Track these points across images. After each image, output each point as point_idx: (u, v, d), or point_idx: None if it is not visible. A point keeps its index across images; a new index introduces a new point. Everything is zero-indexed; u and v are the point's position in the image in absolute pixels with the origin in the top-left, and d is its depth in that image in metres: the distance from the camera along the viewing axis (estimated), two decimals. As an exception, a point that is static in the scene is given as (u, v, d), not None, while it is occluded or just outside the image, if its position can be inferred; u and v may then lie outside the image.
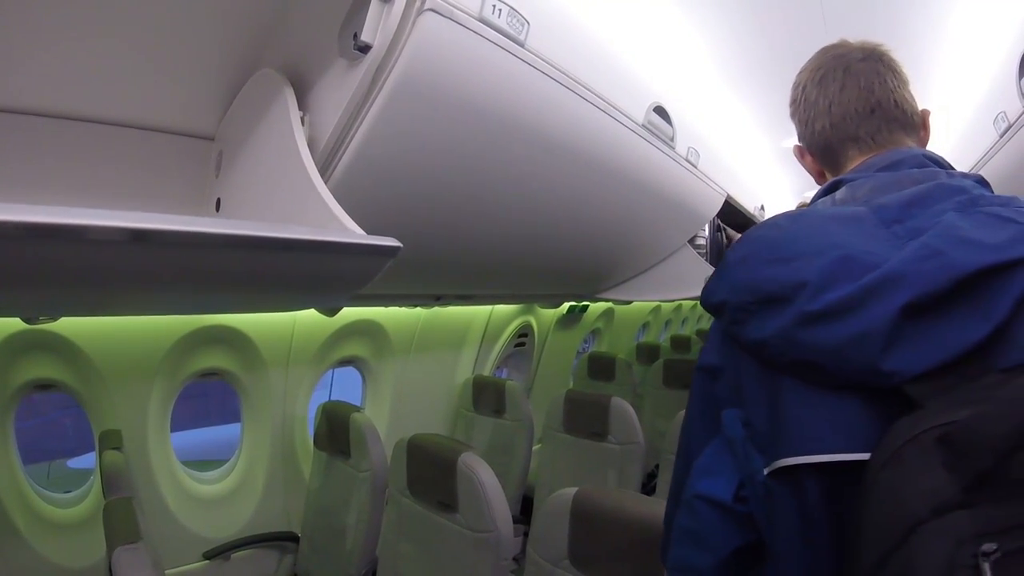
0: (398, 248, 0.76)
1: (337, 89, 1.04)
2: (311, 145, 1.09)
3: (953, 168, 0.72)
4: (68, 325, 1.82)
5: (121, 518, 1.22)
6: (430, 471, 1.75)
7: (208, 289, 0.84)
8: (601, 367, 3.82)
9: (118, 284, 0.75)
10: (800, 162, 0.92)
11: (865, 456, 0.55)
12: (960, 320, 0.54)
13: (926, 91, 1.93)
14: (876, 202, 0.66)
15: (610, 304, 4.18)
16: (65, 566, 1.85)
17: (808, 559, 0.61)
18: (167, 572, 2.08)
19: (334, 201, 0.86)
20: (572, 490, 1.41)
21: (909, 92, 0.82)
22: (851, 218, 0.65)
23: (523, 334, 3.56)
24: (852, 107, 0.80)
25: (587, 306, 3.85)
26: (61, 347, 1.85)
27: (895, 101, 0.80)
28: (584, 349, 4.53)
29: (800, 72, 0.88)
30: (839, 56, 0.83)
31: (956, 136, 2.20)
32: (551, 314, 3.66)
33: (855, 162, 0.81)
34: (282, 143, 1.07)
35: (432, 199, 1.18)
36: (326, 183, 1.06)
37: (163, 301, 1.00)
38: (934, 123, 0.87)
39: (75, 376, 1.93)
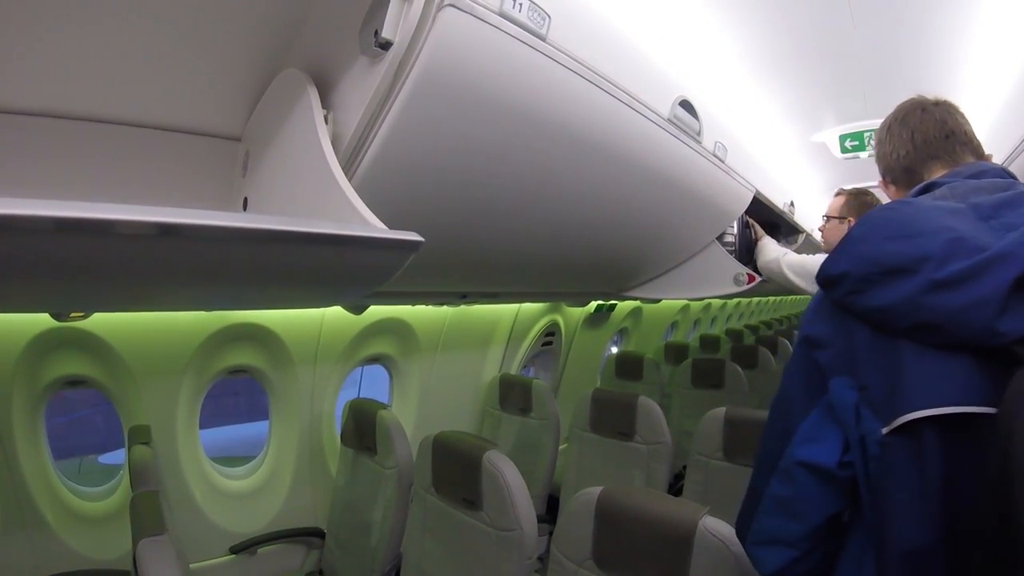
0: (420, 243, 0.77)
1: (359, 87, 1.04)
2: (335, 143, 1.09)
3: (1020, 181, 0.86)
4: (98, 323, 1.86)
5: (147, 511, 1.24)
6: (455, 469, 1.75)
7: (232, 284, 0.85)
8: (629, 366, 3.80)
9: (145, 279, 0.76)
10: (884, 191, 1.10)
11: (982, 409, 0.64)
12: None
13: (955, 85, 1.87)
14: (971, 201, 0.78)
15: (638, 303, 4.13)
16: (93, 558, 1.90)
17: (922, 515, 0.68)
18: (194, 565, 2.13)
19: (357, 197, 0.86)
20: (597, 489, 1.39)
21: (973, 130, 0.99)
22: (954, 210, 0.77)
23: (550, 333, 3.55)
24: (931, 134, 0.98)
25: (614, 305, 3.82)
26: (92, 344, 1.90)
27: (964, 131, 0.98)
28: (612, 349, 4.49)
29: (884, 120, 1.06)
30: (916, 102, 1.02)
31: (985, 131, 2.13)
32: (578, 313, 3.64)
33: (937, 175, 0.95)
34: (306, 141, 1.07)
35: (455, 196, 1.18)
36: (349, 180, 1.07)
37: (188, 296, 1.01)
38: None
39: (105, 373, 1.97)
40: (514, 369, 3.32)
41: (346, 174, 1.07)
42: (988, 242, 0.69)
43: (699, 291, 2.32)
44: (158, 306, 1.42)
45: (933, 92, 1.04)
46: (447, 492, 1.79)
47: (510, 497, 1.58)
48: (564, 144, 1.19)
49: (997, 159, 2.21)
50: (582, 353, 3.90)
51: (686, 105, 1.45)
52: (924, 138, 0.98)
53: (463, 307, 2.78)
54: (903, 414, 0.68)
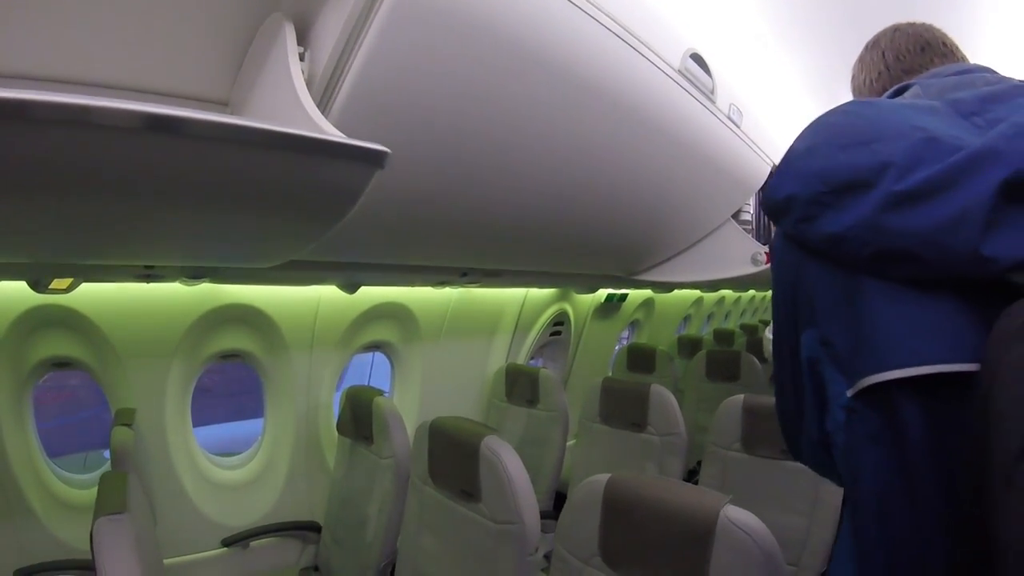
0: (385, 154, 0.67)
1: (333, 17, 0.94)
2: (310, 81, 1.00)
3: None
4: (83, 301, 1.79)
5: (111, 490, 1.15)
6: (452, 457, 1.64)
7: (178, 205, 0.77)
8: (641, 358, 3.71)
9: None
10: None
11: (975, 367, 0.47)
12: None
13: (993, 50, 1.74)
14: (950, 97, 0.61)
15: (650, 294, 4.02)
16: (79, 548, 1.82)
17: (901, 506, 0.52)
18: (184, 558, 2.05)
19: (318, 113, 0.76)
20: (604, 477, 1.26)
21: (958, 47, 0.83)
22: (927, 108, 0.60)
23: (559, 322, 3.45)
24: (904, 48, 0.83)
25: (625, 295, 3.70)
26: (77, 324, 1.83)
27: (943, 42, 0.82)
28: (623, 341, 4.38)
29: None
30: (891, 26, 0.87)
31: None
32: (588, 302, 3.54)
33: None
34: (280, 82, 0.98)
35: (443, 142, 1.06)
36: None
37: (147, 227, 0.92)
38: None
39: (92, 354, 1.91)
40: (521, 359, 3.22)
41: (321, 112, 0.97)
42: (969, 141, 0.52)
43: (715, 273, 2.19)
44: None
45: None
46: (444, 483, 1.68)
47: (510, 487, 1.46)
48: (564, 87, 1.07)
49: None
50: (593, 345, 3.79)
51: (697, 59, 1.33)
52: (896, 55, 0.83)
53: (466, 291, 2.67)
54: (869, 374, 0.53)
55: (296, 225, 0.89)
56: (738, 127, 1.67)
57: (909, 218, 0.52)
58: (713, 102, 1.49)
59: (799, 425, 0.69)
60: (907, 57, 0.82)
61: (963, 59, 0.82)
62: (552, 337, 3.47)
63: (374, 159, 0.67)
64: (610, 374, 3.97)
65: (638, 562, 1.20)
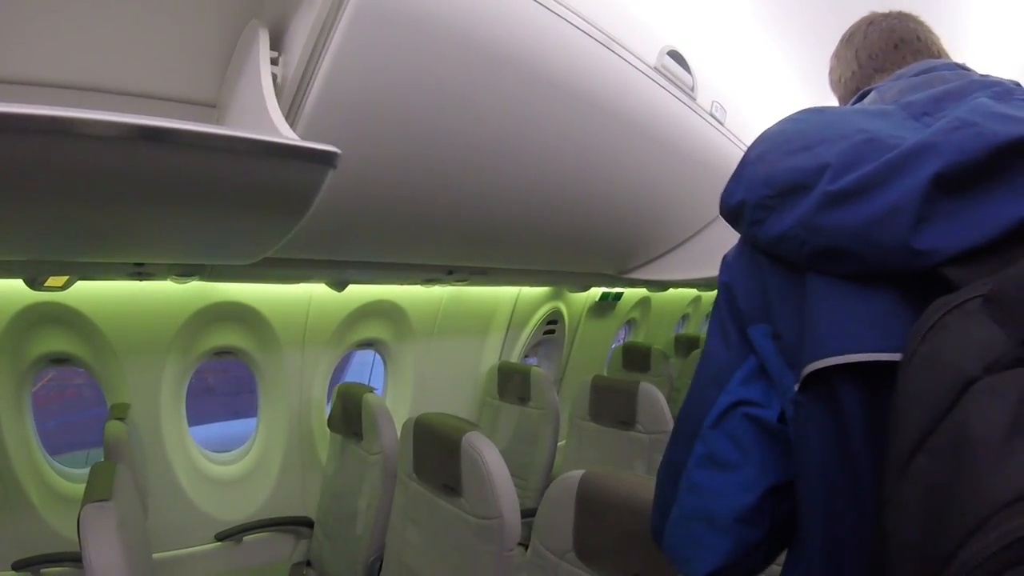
0: (336, 154, 0.69)
1: (303, 20, 0.96)
2: (281, 85, 1.02)
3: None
4: (79, 298, 1.82)
5: (99, 478, 1.18)
6: (435, 453, 1.66)
7: (155, 207, 0.80)
8: (636, 357, 3.71)
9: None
10: None
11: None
12: (1000, 196, 0.48)
13: (981, 44, 1.73)
14: (905, 99, 0.61)
15: (646, 293, 4.01)
16: (73, 538, 1.84)
17: (846, 490, 0.52)
18: (178, 551, 2.07)
19: (280, 115, 0.78)
20: (578, 473, 1.27)
21: (936, 38, 0.82)
22: (878, 112, 0.60)
23: (552, 321, 3.45)
24: (877, 47, 0.82)
25: (620, 294, 3.70)
26: (74, 320, 1.86)
27: (918, 36, 0.80)
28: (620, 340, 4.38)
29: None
30: (865, 18, 0.86)
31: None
32: (582, 300, 3.54)
33: None
34: (253, 86, 1.00)
35: (415, 144, 1.08)
36: (295, 122, 0.99)
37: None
38: None
39: (88, 350, 1.94)
40: (515, 357, 3.23)
41: (292, 115, 0.99)
42: (907, 140, 0.52)
43: (706, 270, 2.19)
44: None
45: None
46: (428, 478, 1.70)
47: (490, 482, 1.48)
48: (535, 87, 1.09)
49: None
50: (587, 344, 3.79)
51: (676, 56, 1.34)
52: (869, 53, 0.82)
53: (459, 290, 2.69)
54: (810, 362, 0.53)
55: (262, 223, 0.91)
56: (722, 124, 1.67)
57: (842, 216, 0.52)
58: (694, 99, 1.49)
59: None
60: (879, 56, 0.81)
61: (939, 52, 0.80)
62: (546, 336, 3.48)
63: (326, 159, 0.69)
64: (605, 374, 3.98)
65: (611, 559, 1.21)
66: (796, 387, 0.56)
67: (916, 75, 0.68)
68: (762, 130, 0.69)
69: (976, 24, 1.63)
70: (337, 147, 0.80)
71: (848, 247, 0.52)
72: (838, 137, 0.56)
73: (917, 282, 0.50)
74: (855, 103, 0.73)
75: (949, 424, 0.40)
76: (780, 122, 0.66)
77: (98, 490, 1.15)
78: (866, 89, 0.73)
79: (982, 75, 0.63)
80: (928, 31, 0.82)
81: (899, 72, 0.72)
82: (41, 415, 1.95)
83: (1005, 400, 0.38)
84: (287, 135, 0.74)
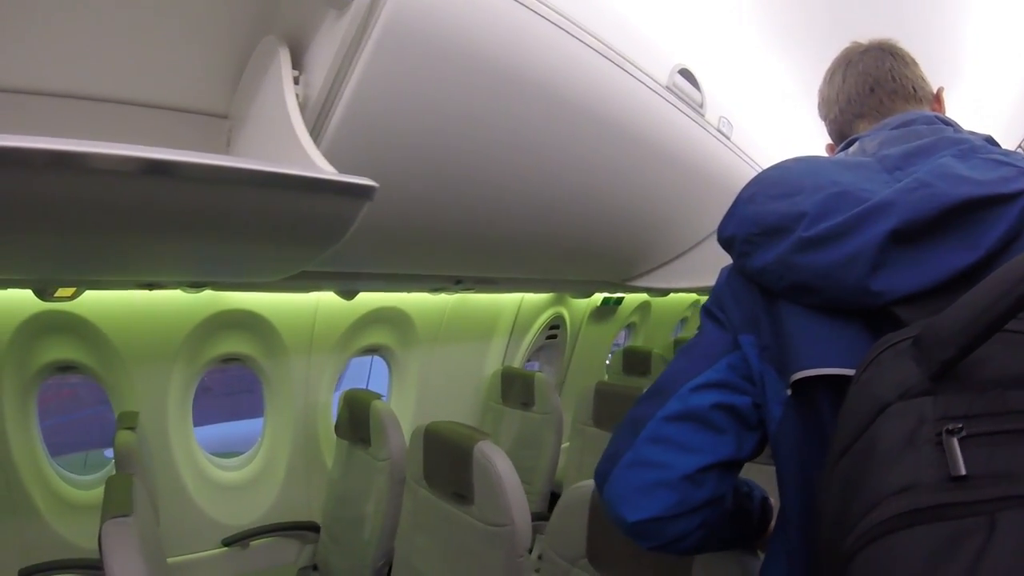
0: (373, 188, 0.71)
1: (327, 42, 0.98)
2: (304, 104, 1.03)
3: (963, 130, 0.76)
4: (87, 307, 1.82)
5: (117, 493, 1.19)
6: (446, 460, 1.67)
7: (177, 236, 0.80)
8: (636, 362, 3.72)
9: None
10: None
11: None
12: (947, 248, 0.59)
13: (976, 61, 1.77)
14: (881, 153, 0.70)
15: (646, 297, 4.04)
16: (82, 546, 1.86)
17: (819, 465, 0.61)
18: (185, 557, 2.08)
19: (311, 144, 0.80)
20: (591, 482, 1.30)
21: (913, 71, 0.87)
22: (855, 164, 0.70)
23: (554, 326, 3.47)
24: (854, 91, 0.88)
25: (621, 299, 3.73)
26: (81, 329, 1.86)
27: (892, 76, 0.86)
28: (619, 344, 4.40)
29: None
30: (845, 53, 0.92)
31: (991, 128, 2.02)
32: (584, 306, 3.56)
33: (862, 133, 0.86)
34: (275, 105, 1.02)
35: (432, 162, 1.10)
36: (318, 141, 1.00)
37: (150, 255, 0.96)
38: (966, 116, 0.95)
39: (95, 358, 1.94)
40: (517, 362, 3.24)
41: (315, 135, 1.01)
42: (878, 193, 0.62)
43: (707, 279, 2.21)
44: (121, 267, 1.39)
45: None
46: (438, 485, 1.72)
47: (502, 490, 1.50)
48: (551, 107, 1.11)
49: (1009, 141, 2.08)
50: (588, 348, 3.81)
51: (686, 74, 1.37)
52: (848, 97, 0.88)
53: (463, 296, 2.70)
54: (796, 372, 0.64)
55: (290, 251, 0.93)
56: (728, 139, 1.70)
57: (813, 258, 0.63)
58: (703, 115, 1.52)
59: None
60: (857, 100, 0.88)
61: (915, 87, 0.86)
62: (548, 340, 3.49)
63: (363, 193, 0.71)
64: (605, 378, 4.01)
65: (623, 564, 1.24)
66: (788, 392, 0.66)
67: (896, 128, 0.77)
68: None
69: (971, 44, 1.66)
70: (357, 168, 0.82)
71: (815, 284, 0.63)
72: (815, 188, 0.66)
73: (876, 315, 0.61)
74: (842, 149, 0.82)
75: (865, 437, 0.51)
76: (770, 168, 0.75)
77: (117, 504, 1.15)
78: (853, 138, 0.82)
79: (954, 132, 0.72)
80: (903, 64, 0.87)
81: (882, 123, 0.80)
82: (39, 415, 1.95)
83: (905, 421, 0.49)
84: (320, 165, 0.75)
